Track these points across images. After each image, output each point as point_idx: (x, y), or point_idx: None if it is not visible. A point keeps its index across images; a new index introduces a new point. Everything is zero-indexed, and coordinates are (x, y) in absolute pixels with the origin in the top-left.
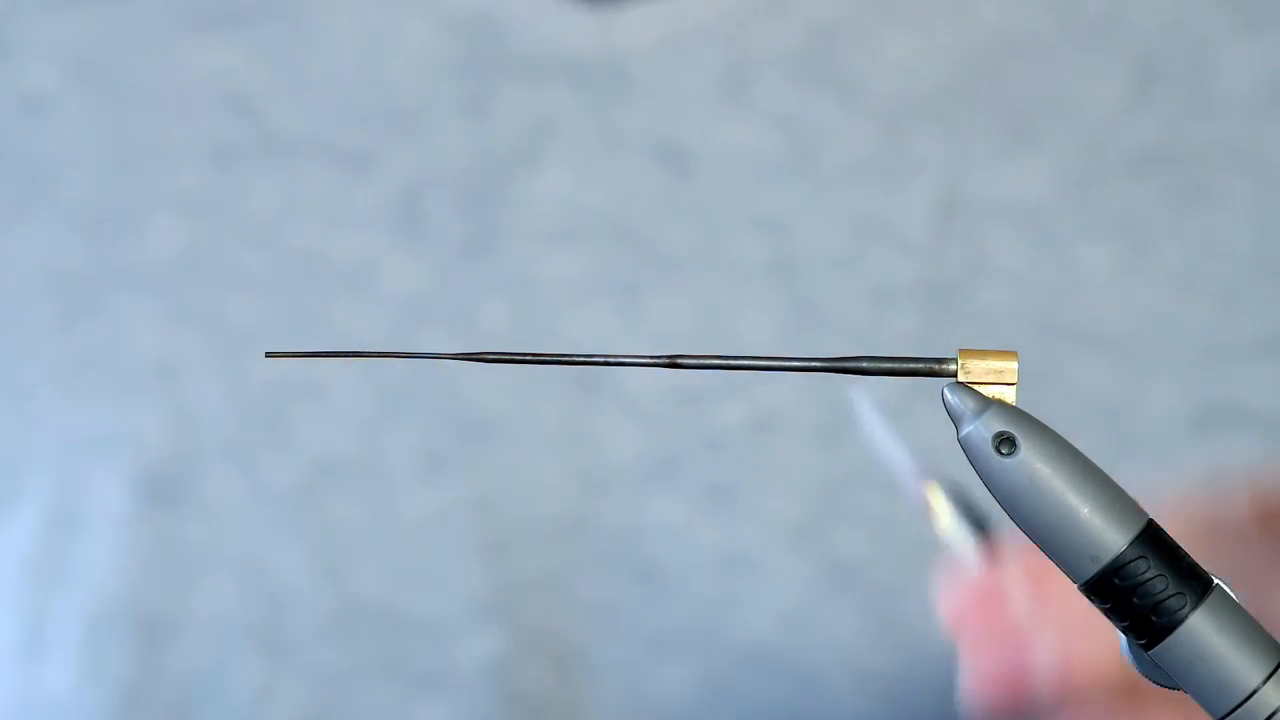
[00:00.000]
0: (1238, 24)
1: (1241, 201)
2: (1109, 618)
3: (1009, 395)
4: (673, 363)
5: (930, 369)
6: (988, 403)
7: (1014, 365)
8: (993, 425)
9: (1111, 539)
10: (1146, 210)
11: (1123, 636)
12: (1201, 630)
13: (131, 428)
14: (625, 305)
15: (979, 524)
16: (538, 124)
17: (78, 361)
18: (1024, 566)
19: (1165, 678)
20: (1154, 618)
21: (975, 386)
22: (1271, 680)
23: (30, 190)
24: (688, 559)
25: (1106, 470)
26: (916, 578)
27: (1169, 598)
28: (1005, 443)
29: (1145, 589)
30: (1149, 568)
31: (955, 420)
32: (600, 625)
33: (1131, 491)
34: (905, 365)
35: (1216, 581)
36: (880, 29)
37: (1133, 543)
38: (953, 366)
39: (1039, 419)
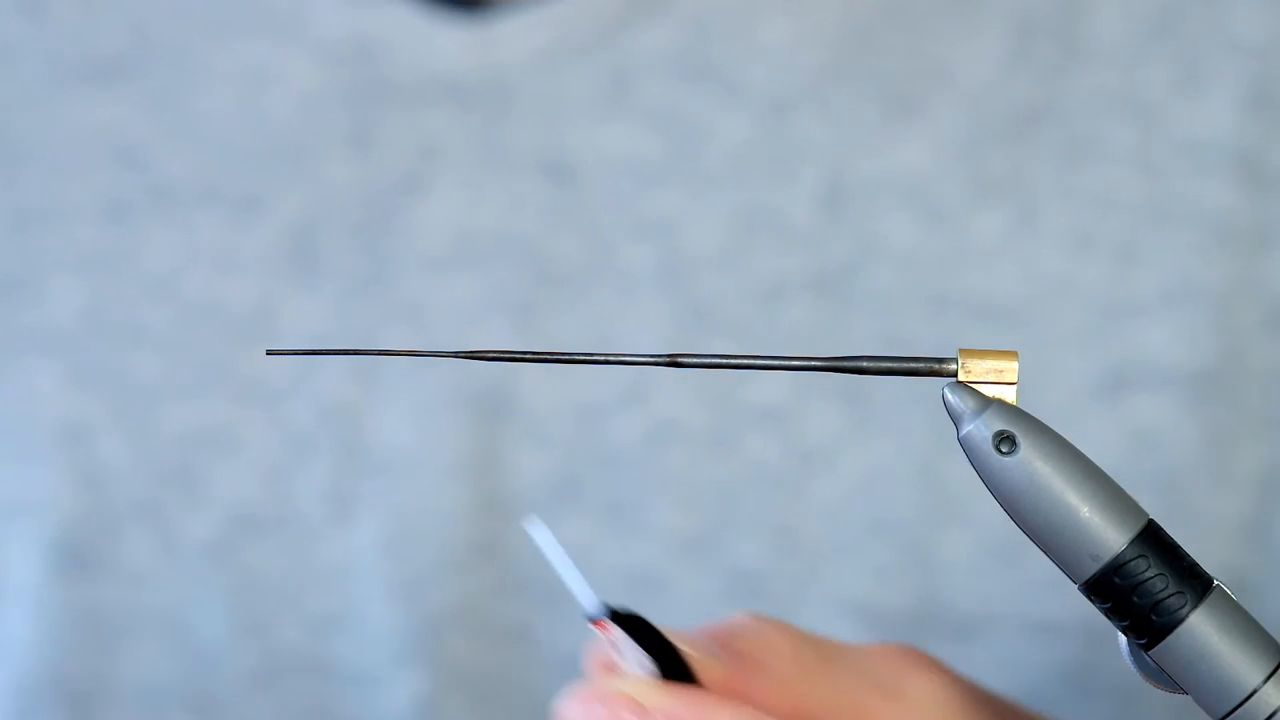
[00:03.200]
0: None
1: (1129, 150)
2: (1109, 618)
3: (1009, 395)
4: (673, 362)
5: (930, 369)
6: (988, 402)
7: (1014, 365)
8: (993, 424)
9: (1111, 538)
10: (1034, 170)
11: (1123, 637)
12: (1201, 629)
13: (42, 493)
14: (523, 325)
15: (668, 660)
16: (423, 149)
17: None
18: None
19: (1166, 680)
20: (1154, 617)
21: (975, 386)
22: (1272, 680)
23: None
24: (595, 579)
25: None
26: (816, 584)
27: (1169, 597)
28: (1005, 441)
29: (1145, 588)
30: (1149, 567)
31: (955, 420)
32: (519, 653)
33: None
34: (905, 365)
35: (1216, 581)
36: (755, 16)
37: (1133, 542)
38: (953, 366)
39: (1039, 418)
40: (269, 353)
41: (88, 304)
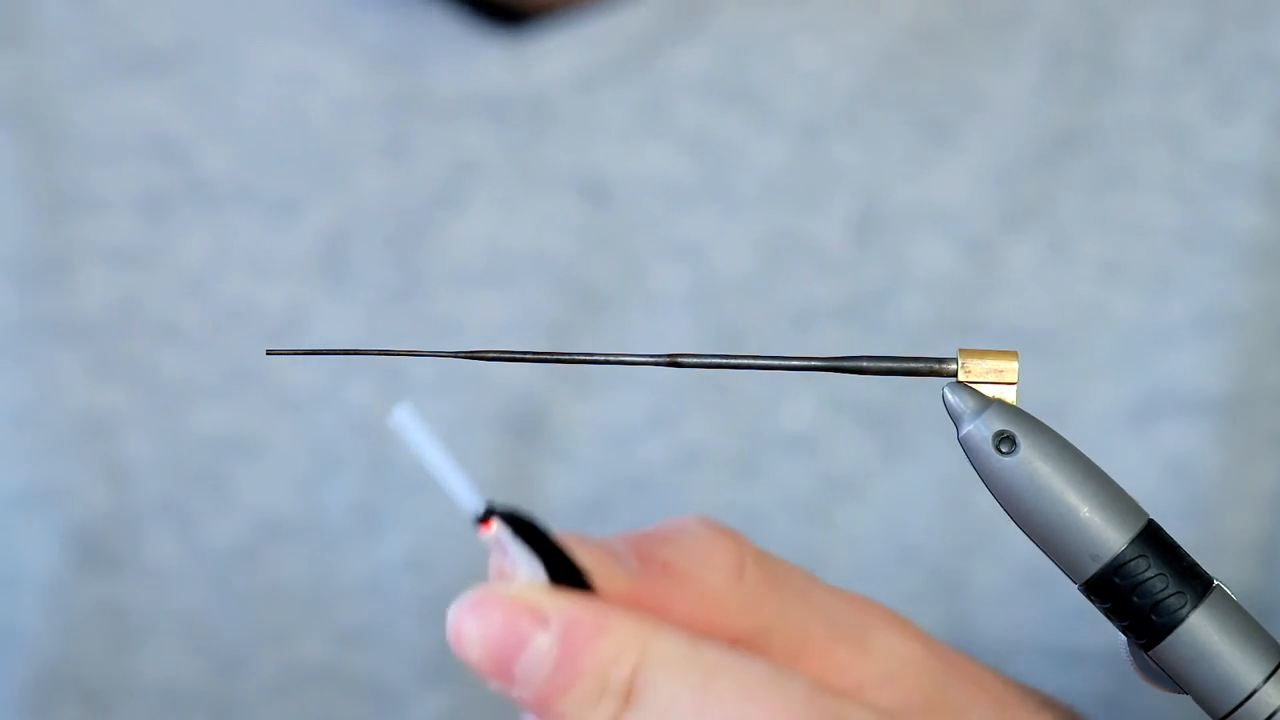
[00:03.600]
0: None
1: (1162, 175)
2: (1109, 618)
3: (1009, 395)
4: (673, 361)
5: (930, 368)
6: (987, 402)
7: (1014, 365)
8: (993, 424)
9: (1111, 538)
10: (1068, 197)
11: (1122, 638)
12: (1201, 630)
13: (63, 485)
14: (553, 345)
15: (561, 567)
16: (459, 163)
17: (2, 415)
18: None
19: (1166, 681)
20: (1154, 617)
21: (975, 386)
22: (1272, 680)
23: None
24: None
25: None
26: None
27: (1169, 597)
28: (1005, 441)
29: (1145, 588)
30: (1149, 567)
31: (955, 419)
32: None
33: None
34: (906, 365)
35: (1217, 581)
36: (790, 38)
37: (1133, 542)
38: (953, 366)
39: (1039, 418)
40: (269, 353)
41: (119, 297)
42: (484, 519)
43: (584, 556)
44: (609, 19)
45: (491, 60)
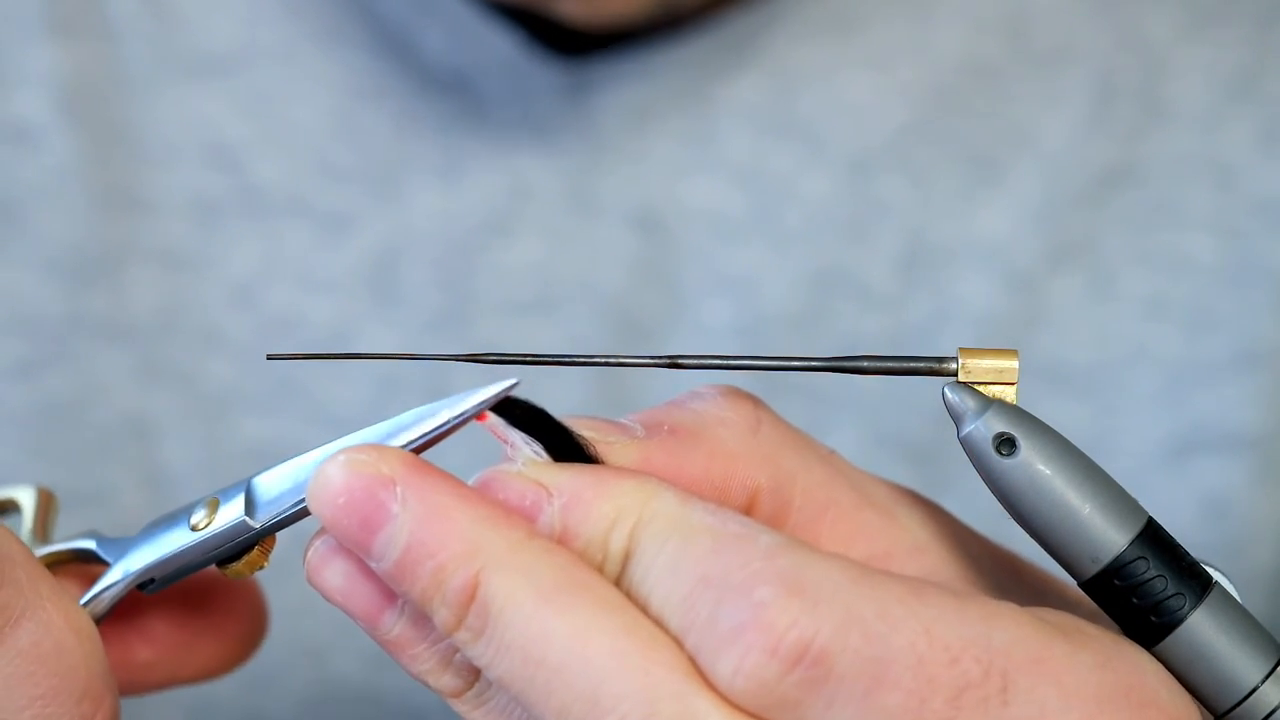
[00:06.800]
0: (1185, 25)
1: (1206, 212)
2: (1110, 616)
3: (1010, 394)
4: (673, 363)
5: (931, 368)
6: (988, 402)
7: (1015, 364)
8: (993, 425)
9: (1112, 539)
10: (1113, 234)
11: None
12: (1201, 629)
13: (100, 486)
14: (599, 374)
15: (562, 445)
16: (512, 189)
17: (41, 412)
18: None
19: None
20: (1154, 617)
21: (976, 385)
22: (1271, 678)
23: (3, 225)
24: None
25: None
26: None
27: (1169, 598)
28: (1005, 443)
29: (1145, 589)
30: (1149, 568)
31: (956, 420)
32: None
33: None
34: (906, 364)
35: (1216, 579)
36: (841, 73)
37: (1133, 543)
38: (953, 365)
39: (1040, 418)
40: (269, 357)
41: (166, 300)
42: (480, 413)
43: (585, 430)
44: (664, 51)
45: (548, 87)
